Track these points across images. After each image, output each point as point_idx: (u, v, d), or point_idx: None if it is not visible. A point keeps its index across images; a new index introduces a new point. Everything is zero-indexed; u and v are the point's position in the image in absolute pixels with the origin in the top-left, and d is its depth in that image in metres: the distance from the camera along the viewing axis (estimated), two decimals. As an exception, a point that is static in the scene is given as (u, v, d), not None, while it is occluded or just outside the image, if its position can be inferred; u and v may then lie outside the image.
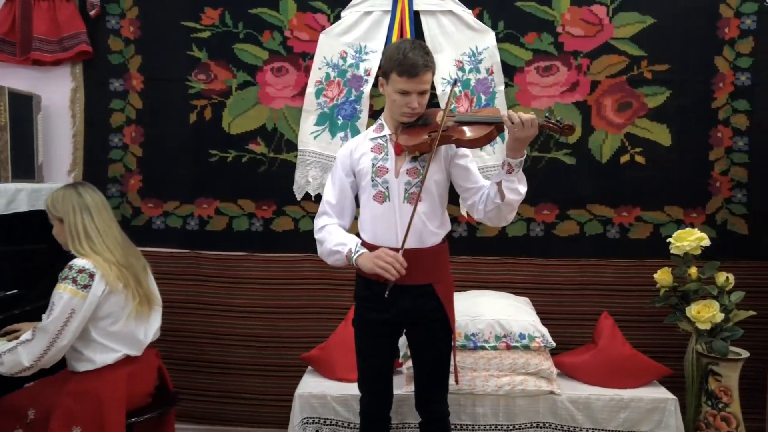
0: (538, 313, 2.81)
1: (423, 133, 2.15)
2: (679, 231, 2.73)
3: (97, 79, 3.21)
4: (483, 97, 3.03)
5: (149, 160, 3.22)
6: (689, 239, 2.67)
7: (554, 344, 2.62)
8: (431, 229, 2.19)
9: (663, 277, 2.75)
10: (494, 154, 3.01)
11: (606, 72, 3.01)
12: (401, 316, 2.20)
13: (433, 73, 2.18)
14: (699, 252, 2.68)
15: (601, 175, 3.04)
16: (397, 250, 2.06)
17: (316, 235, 2.25)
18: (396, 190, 2.17)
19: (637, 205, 3.04)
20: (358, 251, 2.11)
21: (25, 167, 2.97)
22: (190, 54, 3.16)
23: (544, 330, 2.64)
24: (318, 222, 2.27)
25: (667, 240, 2.75)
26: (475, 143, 2.13)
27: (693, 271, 2.68)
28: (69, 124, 3.22)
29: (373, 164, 2.21)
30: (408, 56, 2.09)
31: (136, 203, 3.23)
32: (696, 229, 2.72)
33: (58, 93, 3.19)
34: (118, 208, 3.21)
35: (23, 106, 2.97)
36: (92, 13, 3.14)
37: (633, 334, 2.87)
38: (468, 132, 2.12)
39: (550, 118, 2.04)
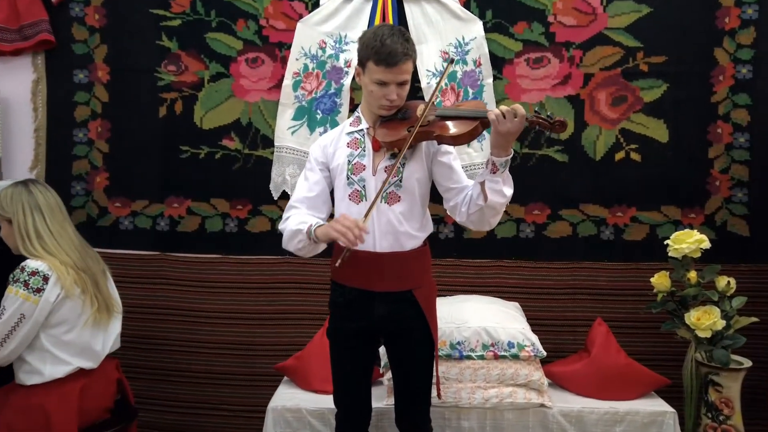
0: (528, 320, 2.72)
1: (402, 128, 2.01)
2: (677, 232, 2.62)
3: (60, 70, 3.06)
4: (470, 91, 2.91)
5: (116, 156, 3.07)
6: (688, 241, 2.56)
7: (545, 353, 2.52)
8: (410, 231, 2.04)
9: (660, 281, 2.64)
10: (482, 150, 2.89)
11: (600, 64, 2.91)
12: (379, 324, 2.06)
13: (414, 62, 2.04)
14: (698, 255, 2.57)
15: (594, 173, 2.94)
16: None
17: (280, 227, 2.07)
18: (373, 189, 2.02)
19: (633, 205, 2.94)
20: (318, 224, 1.93)
21: (-19, 164, 2.82)
22: (159, 43, 3.02)
23: (534, 338, 2.54)
24: (284, 216, 2.09)
25: (665, 242, 2.64)
26: (458, 140, 2.00)
27: (692, 275, 2.57)
28: (30, 118, 3.08)
29: (349, 161, 2.07)
30: (386, 43, 1.94)
31: (102, 202, 3.09)
32: (695, 231, 2.61)
33: (18, 85, 3.06)
34: (83, 208, 3.09)
35: (-21, 98, 2.83)
36: (54, -1, 2.99)
37: (628, 341, 2.78)
38: (451, 128, 1.98)
39: (539, 113, 1.90)
